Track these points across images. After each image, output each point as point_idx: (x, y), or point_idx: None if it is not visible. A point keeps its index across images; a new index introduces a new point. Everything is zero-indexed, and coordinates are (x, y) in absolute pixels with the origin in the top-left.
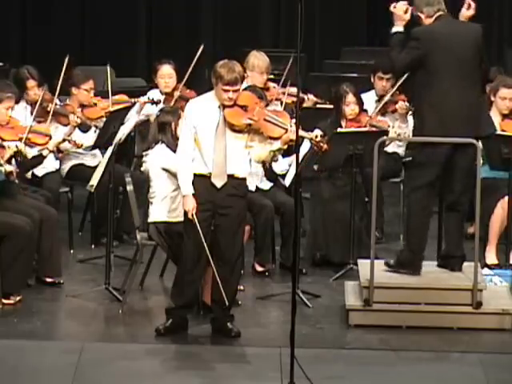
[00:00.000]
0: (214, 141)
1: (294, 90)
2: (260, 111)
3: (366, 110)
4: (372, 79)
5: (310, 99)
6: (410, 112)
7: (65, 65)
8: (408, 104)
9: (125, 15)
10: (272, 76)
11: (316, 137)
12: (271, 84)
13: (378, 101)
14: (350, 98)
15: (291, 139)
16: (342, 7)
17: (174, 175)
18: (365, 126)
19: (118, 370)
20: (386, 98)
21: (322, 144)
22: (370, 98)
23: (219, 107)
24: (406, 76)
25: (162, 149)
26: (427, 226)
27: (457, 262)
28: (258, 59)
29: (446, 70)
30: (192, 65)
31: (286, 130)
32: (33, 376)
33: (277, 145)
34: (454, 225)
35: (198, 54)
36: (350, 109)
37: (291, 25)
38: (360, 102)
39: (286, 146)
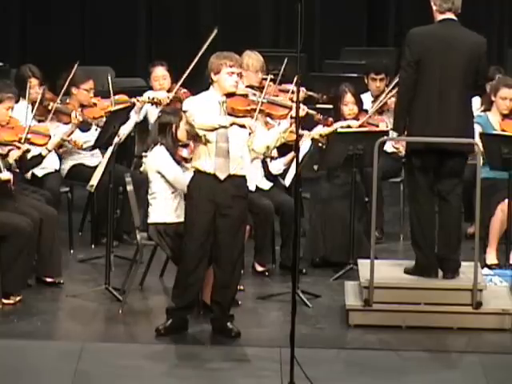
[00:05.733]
0: (216, 136)
1: (289, 86)
2: (260, 95)
3: (366, 110)
4: (366, 81)
5: (303, 91)
6: None
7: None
8: None
9: (125, 15)
10: (272, 76)
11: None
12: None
13: (374, 101)
14: (349, 97)
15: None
16: (341, 7)
17: (167, 180)
18: (363, 125)
19: (118, 369)
20: (381, 98)
21: (329, 122)
22: (366, 99)
23: (219, 103)
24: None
25: (159, 151)
26: (432, 227)
27: (448, 266)
28: (251, 58)
29: (431, 78)
30: (203, 49)
31: (290, 108)
32: (33, 376)
33: (285, 124)
34: (448, 222)
35: (212, 37)
36: (349, 109)
37: (291, 25)
38: (359, 102)
39: (293, 127)
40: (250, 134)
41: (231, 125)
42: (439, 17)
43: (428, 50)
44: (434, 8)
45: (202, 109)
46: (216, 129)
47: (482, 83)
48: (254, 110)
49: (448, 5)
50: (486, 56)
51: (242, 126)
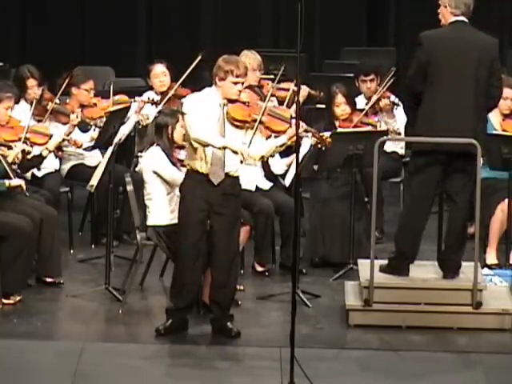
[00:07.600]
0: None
1: (286, 84)
2: (262, 106)
3: (360, 110)
4: (356, 83)
5: (303, 89)
6: (397, 107)
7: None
8: (391, 100)
9: (125, 15)
10: (272, 76)
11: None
12: (265, 81)
13: (368, 103)
14: (340, 98)
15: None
16: (342, 7)
17: (165, 180)
18: (356, 126)
19: (118, 370)
20: (374, 99)
21: (324, 138)
22: (360, 102)
23: (220, 105)
24: (392, 74)
25: (155, 151)
26: (419, 231)
27: (448, 266)
28: (248, 58)
29: (442, 80)
30: (188, 70)
31: (290, 124)
32: (33, 376)
33: (282, 139)
34: (452, 223)
35: (196, 61)
36: (341, 109)
37: (291, 25)
38: (351, 102)
39: (290, 142)
40: (241, 162)
41: (223, 148)
42: (451, 18)
43: (438, 52)
44: (448, 9)
45: (202, 118)
46: (208, 146)
47: (497, 84)
48: (254, 120)
49: (464, 9)
50: (498, 57)
51: (235, 153)
